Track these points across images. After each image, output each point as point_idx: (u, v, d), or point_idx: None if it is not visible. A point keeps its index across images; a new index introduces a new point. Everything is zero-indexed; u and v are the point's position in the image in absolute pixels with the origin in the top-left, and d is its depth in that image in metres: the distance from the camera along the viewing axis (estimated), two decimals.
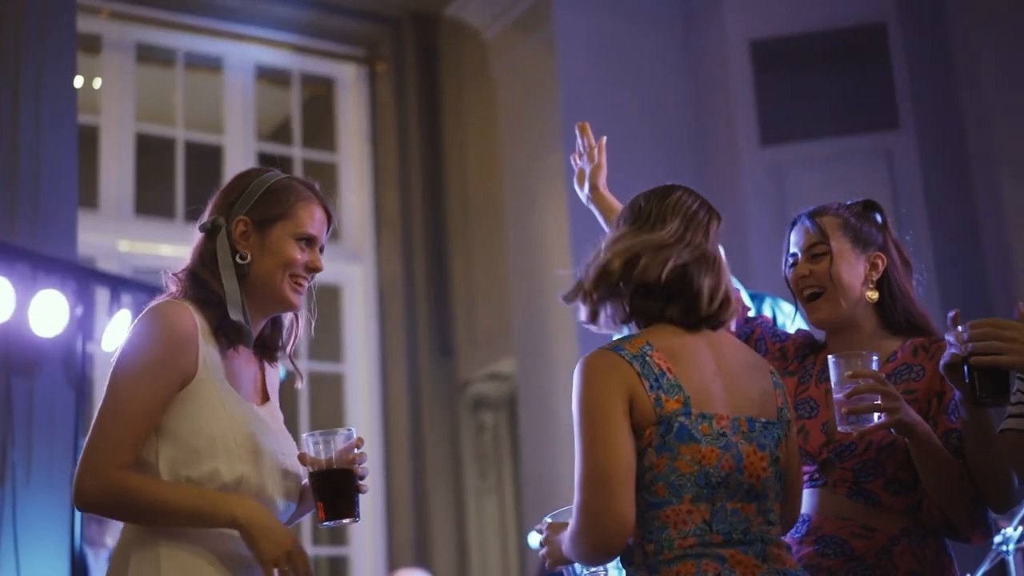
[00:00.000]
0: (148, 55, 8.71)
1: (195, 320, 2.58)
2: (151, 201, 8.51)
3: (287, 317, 2.83)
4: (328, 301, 8.98)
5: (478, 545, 8.37)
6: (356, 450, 2.63)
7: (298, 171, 8.99)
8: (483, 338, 8.58)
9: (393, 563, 8.43)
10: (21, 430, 5.58)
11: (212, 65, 8.93)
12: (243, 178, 2.78)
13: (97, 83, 8.40)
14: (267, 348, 2.81)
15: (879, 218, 3.06)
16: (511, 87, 8.16)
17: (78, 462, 2.52)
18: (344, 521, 2.62)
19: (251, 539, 2.48)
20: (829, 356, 2.72)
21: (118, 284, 6.17)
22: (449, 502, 8.48)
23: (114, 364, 2.57)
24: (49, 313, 5.63)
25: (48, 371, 5.74)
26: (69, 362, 5.81)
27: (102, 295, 6.34)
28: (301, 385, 2.91)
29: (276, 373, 2.86)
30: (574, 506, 2.45)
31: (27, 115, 6.04)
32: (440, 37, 9.19)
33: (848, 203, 3.07)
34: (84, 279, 5.90)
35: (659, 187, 2.76)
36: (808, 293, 2.97)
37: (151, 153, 8.58)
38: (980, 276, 6.95)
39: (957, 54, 7.30)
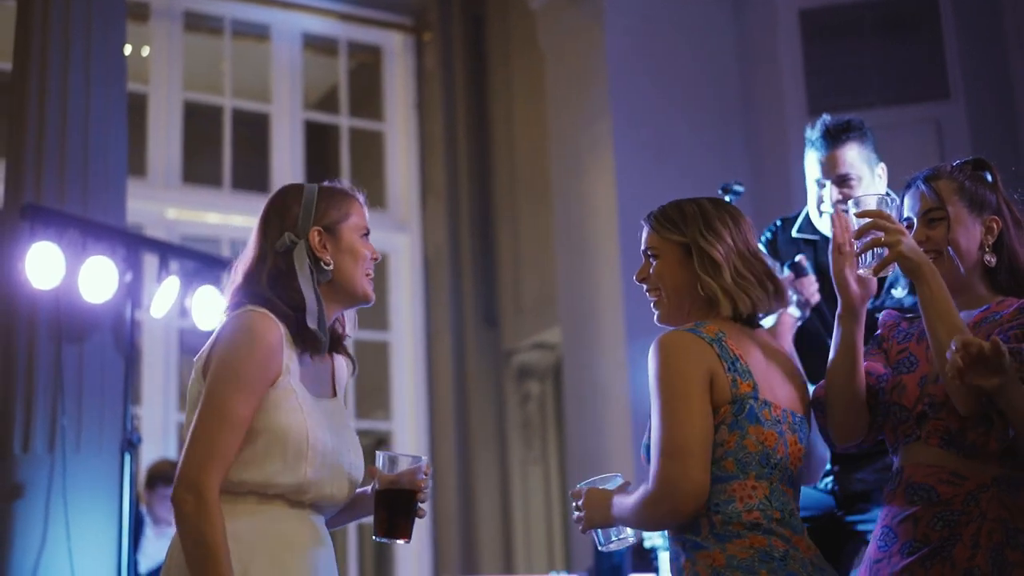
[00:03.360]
0: (196, 23, 8.74)
1: (280, 329, 2.69)
2: (198, 169, 8.56)
3: (351, 310, 2.95)
4: (374, 269, 9.01)
5: (522, 514, 8.39)
6: (423, 477, 2.75)
7: (345, 140, 9.02)
8: (529, 308, 8.58)
9: (438, 532, 8.48)
10: (71, 396, 5.64)
11: (259, 33, 8.95)
12: (291, 195, 2.88)
13: (145, 51, 8.45)
14: (334, 341, 2.91)
15: (989, 177, 3.04)
16: (559, 56, 8.13)
17: (178, 469, 2.61)
18: (398, 541, 2.74)
19: None
20: (849, 200, 2.79)
21: (166, 251, 6.21)
22: (494, 471, 8.50)
23: (212, 373, 2.65)
24: (99, 280, 5.68)
25: (97, 338, 5.79)
26: (118, 329, 5.85)
27: (150, 262, 6.38)
28: (355, 373, 2.99)
29: (345, 367, 2.95)
30: (652, 474, 2.60)
31: (76, 83, 6.08)
32: (487, 6, 9.17)
33: (958, 163, 3.04)
34: (133, 246, 5.93)
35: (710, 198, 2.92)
36: (929, 258, 2.92)
37: (198, 121, 8.63)
38: None
39: (1007, 23, 7.21)
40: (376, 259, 2.90)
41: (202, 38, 8.87)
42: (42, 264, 5.57)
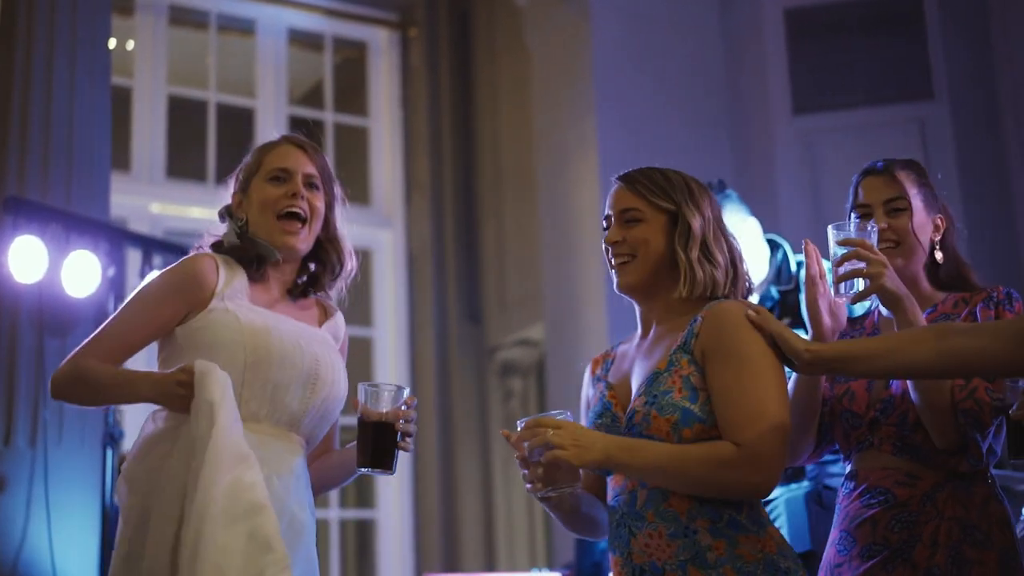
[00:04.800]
0: (181, 17, 8.72)
1: (215, 263, 2.80)
2: (183, 163, 8.54)
3: (334, 260, 2.97)
4: (358, 265, 9.00)
5: (504, 511, 8.40)
6: (406, 407, 2.71)
7: (329, 135, 9.01)
8: (512, 304, 8.58)
9: (420, 529, 8.47)
10: None
11: (245, 28, 8.93)
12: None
13: (130, 45, 8.42)
14: (315, 285, 2.98)
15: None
16: (544, 53, 8.13)
17: None
18: (378, 471, 2.71)
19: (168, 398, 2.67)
20: (829, 226, 2.77)
21: (150, 245, 6.19)
22: (476, 467, 8.51)
23: None
24: (81, 273, 5.67)
25: (80, 331, 5.77)
26: (101, 322, 5.82)
27: (134, 256, 6.37)
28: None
29: (339, 321, 3.00)
30: (746, 438, 2.45)
31: (61, 77, 6.07)
32: (473, 2, 9.17)
33: (902, 160, 3.05)
34: (116, 240, 5.92)
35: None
36: (884, 246, 2.90)
37: (183, 116, 8.61)
38: (1013, 247, 6.91)
39: (992, 24, 7.23)
40: (296, 193, 2.86)
41: (187, 32, 8.85)
42: (25, 257, 5.55)
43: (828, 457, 3.26)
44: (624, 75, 7.54)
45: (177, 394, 2.64)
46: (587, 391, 2.82)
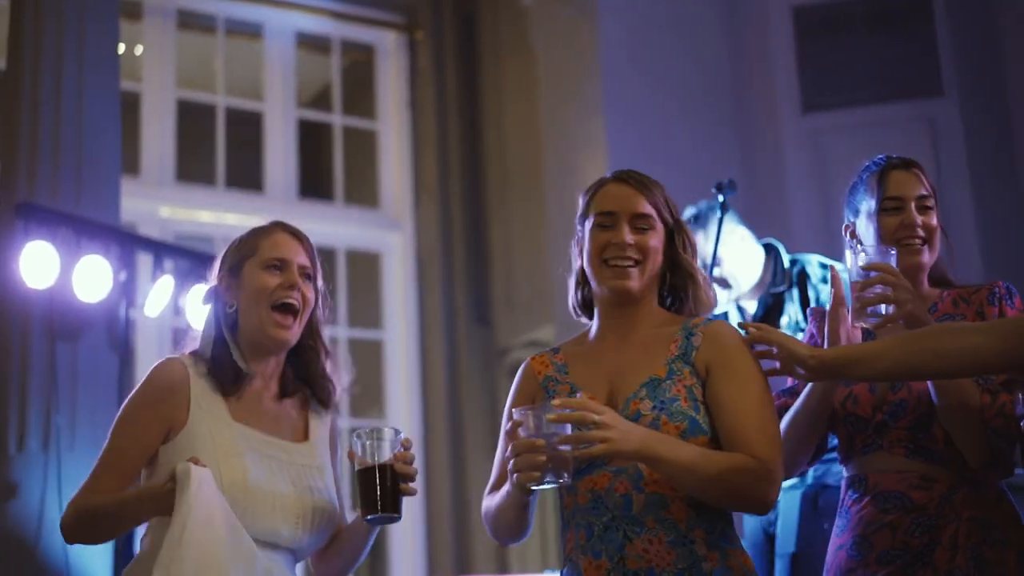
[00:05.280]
0: (189, 21, 8.73)
1: (186, 371, 2.76)
2: (192, 167, 8.55)
3: (322, 364, 2.92)
4: (367, 268, 9.02)
5: None
6: (402, 450, 2.69)
7: (338, 138, 9.01)
8: (521, 306, 8.58)
9: (431, 532, 8.47)
10: (65, 395, 5.65)
11: (252, 31, 8.94)
12: (227, 247, 2.95)
13: (138, 50, 8.43)
14: (314, 393, 2.91)
15: None
16: (551, 54, 8.13)
17: None
18: (385, 518, 2.66)
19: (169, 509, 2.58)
20: (848, 250, 2.77)
21: (161, 250, 6.22)
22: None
23: None
24: (93, 278, 5.69)
25: (92, 336, 5.79)
26: (112, 327, 5.86)
27: (144, 261, 6.38)
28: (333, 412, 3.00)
29: (326, 416, 2.94)
30: (761, 452, 2.51)
31: (70, 82, 6.08)
32: (479, 4, 9.16)
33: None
34: (127, 245, 5.94)
35: None
36: (916, 242, 2.93)
37: (192, 119, 8.61)
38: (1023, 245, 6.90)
39: (1002, 20, 7.22)
40: (291, 287, 2.81)
41: (195, 36, 8.86)
42: (36, 263, 5.57)
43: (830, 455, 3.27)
44: (631, 75, 7.53)
45: (172, 500, 2.59)
46: (528, 393, 2.77)
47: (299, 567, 2.88)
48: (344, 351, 8.56)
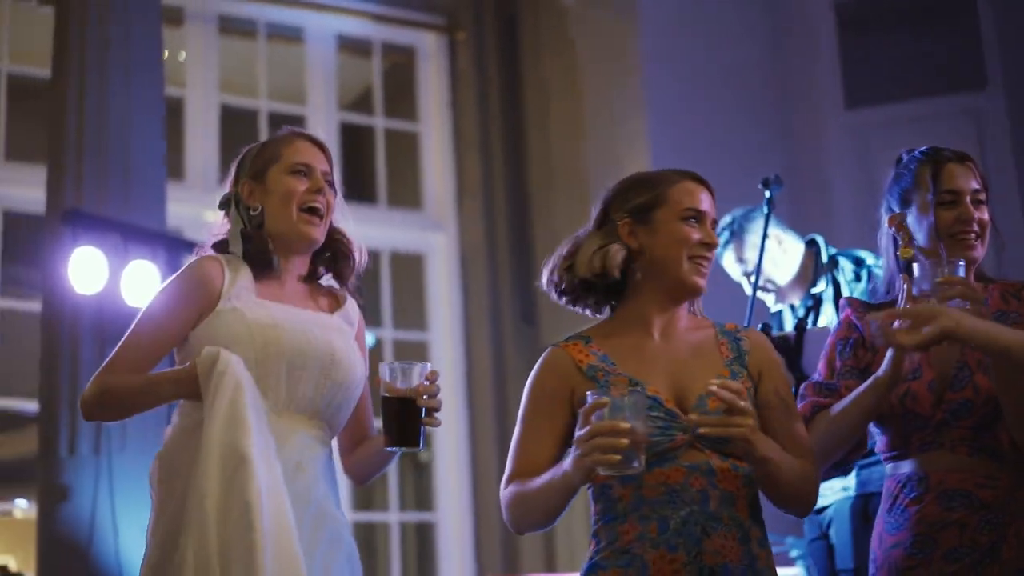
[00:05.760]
0: (230, 26, 8.78)
1: (221, 265, 2.87)
2: None
3: (350, 254, 3.05)
4: (411, 269, 9.04)
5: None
6: (428, 382, 2.73)
7: (380, 141, 9.04)
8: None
9: (480, 530, 8.48)
10: None
11: (293, 36, 8.98)
12: (240, 154, 3.06)
13: (181, 56, 8.49)
14: (339, 278, 3.06)
15: None
16: (592, 53, 8.13)
17: None
18: (406, 448, 2.72)
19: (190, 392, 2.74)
20: (915, 262, 2.75)
21: None
22: None
23: None
24: (141, 283, 5.73)
25: None
26: None
27: None
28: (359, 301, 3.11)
29: (352, 308, 3.05)
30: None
31: (114, 88, 6.14)
32: (520, 4, 9.17)
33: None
34: (174, 249, 5.99)
35: None
36: (971, 236, 2.92)
37: (235, 124, 8.66)
38: None
39: None
40: (318, 191, 2.92)
41: (237, 41, 8.91)
42: (85, 269, 5.63)
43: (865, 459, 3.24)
44: (672, 72, 7.53)
45: (197, 385, 2.71)
46: (568, 382, 2.72)
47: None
48: (389, 353, 8.60)
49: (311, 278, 3.02)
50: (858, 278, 4.55)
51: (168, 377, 2.78)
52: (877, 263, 4.51)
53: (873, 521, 3.93)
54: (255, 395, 2.69)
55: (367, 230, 8.65)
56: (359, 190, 9.25)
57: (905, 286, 2.75)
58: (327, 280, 3.09)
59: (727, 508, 2.57)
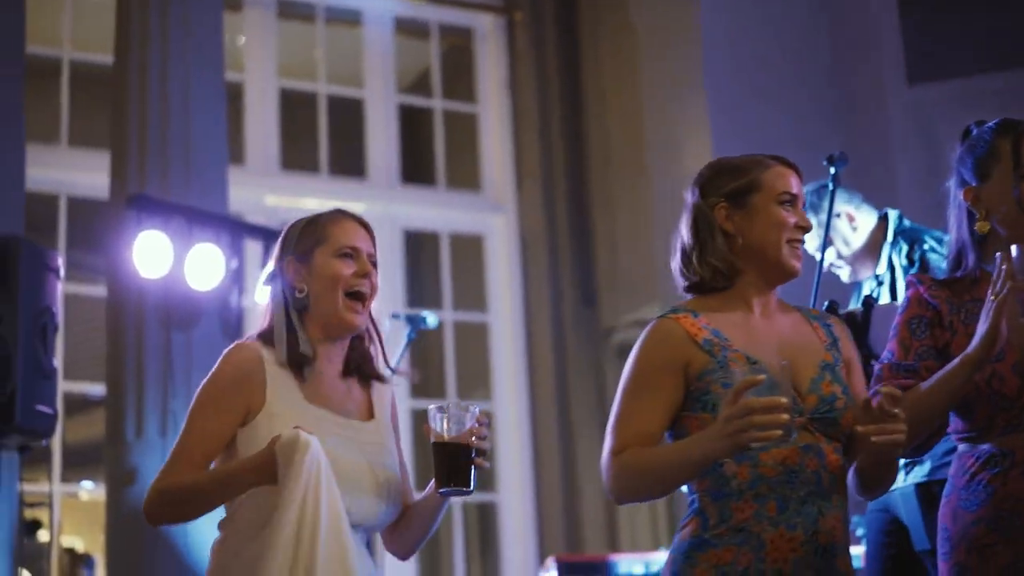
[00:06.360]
0: (289, 11, 8.82)
1: (260, 355, 2.82)
2: (296, 155, 8.64)
3: (363, 338, 2.99)
4: (471, 251, 9.05)
5: None
6: (478, 425, 2.73)
7: (438, 123, 9.05)
8: (626, 285, 8.56)
9: (541, 512, 8.50)
10: (180, 382, 5.75)
11: (351, 19, 9.00)
12: (285, 229, 3.00)
13: (240, 41, 8.54)
14: (364, 371, 2.99)
15: None
16: (651, 32, 8.09)
17: None
18: (457, 491, 2.73)
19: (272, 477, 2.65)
20: (1013, 246, 2.70)
21: (269, 237, 6.29)
22: (595, 449, 8.44)
23: None
24: (205, 267, 5.78)
25: (205, 324, 5.89)
26: (225, 315, 5.95)
27: (252, 248, 6.46)
28: (409, 378, 3.07)
29: (386, 392, 3.02)
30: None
31: (176, 74, 6.19)
32: None
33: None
34: (237, 232, 6.03)
35: None
36: None
37: (294, 108, 8.70)
38: None
39: None
40: (365, 276, 2.89)
41: (295, 25, 8.95)
42: (150, 252, 5.68)
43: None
44: (732, 51, 7.48)
45: (275, 469, 2.66)
46: (683, 353, 2.69)
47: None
48: (450, 335, 8.63)
49: (347, 370, 2.97)
50: (911, 261, 4.51)
51: (248, 465, 2.70)
52: (932, 244, 4.46)
53: (939, 503, 3.90)
54: (331, 479, 2.67)
55: (426, 212, 8.74)
56: (418, 173, 9.27)
57: (1004, 266, 2.71)
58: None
59: (835, 489, 2.62)
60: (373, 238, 2.98)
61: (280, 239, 2.98)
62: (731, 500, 2.60)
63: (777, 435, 2.39)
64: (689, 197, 2.84)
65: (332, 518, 2.63)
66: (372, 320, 3.00)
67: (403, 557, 3.04)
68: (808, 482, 2.58)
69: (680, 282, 2.86)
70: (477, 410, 2.74)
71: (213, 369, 2.85)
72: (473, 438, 2.71)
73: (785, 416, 2.38)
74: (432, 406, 2.74)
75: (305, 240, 2.93)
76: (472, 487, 2.74)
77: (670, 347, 2.69)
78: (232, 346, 2.87)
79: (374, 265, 2.95)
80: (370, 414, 2.96)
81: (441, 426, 2.70)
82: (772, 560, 2.56)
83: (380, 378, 3.02)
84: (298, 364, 2.84)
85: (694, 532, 2.64)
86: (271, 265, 2.97)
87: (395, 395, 3.08)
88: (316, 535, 2.59)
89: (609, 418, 2.72)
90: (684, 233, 2.82)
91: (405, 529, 2.97)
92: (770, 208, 2.74)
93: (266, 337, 2.89)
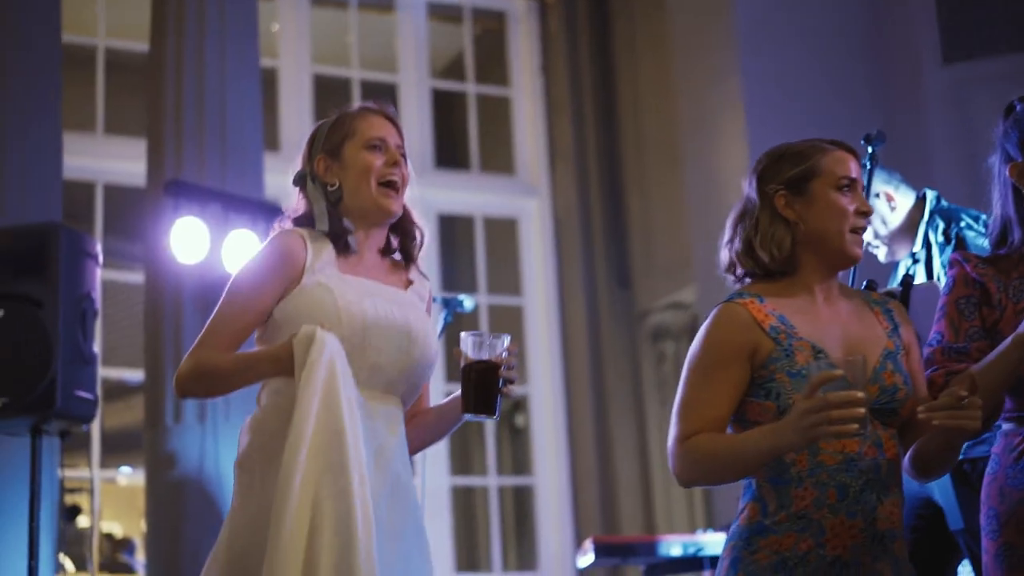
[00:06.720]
0: None
1: (304, 240, 2.88)
2: None
3: (414, 231, 3.07)
4: (505, 234, 9.07)
5: (662, 474, 8.41)
6: (507, 354, 2.79)
7: (472, 107, 9.06)
8: (661, 268, 8.56)
9: (577, 493, 8.52)
10: None
11: (384, 5, 9.01)
12: (312, 130, 3.06)
13: (274, 27, 8.57)
14: (406, 249, 3.07)
15: None
16: (685, 14, 8.05)
17: None
18: (482, 416, 2.81)
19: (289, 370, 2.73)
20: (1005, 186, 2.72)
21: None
22: (631, 432, 8.52)
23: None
24: (242, 252, 5.80)
25: None
26: None
27: None
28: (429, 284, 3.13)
29: (424, 284, 3.09)
30: None
31: (212, 61, 6.21)
32: None
33: None
34: (273, 218, 6.01)
35: None
36: None
37: (328, 94, 8.73)
38: None
39: None
40: (395, 165, 2.96)
41: (329, 12, 8.97)
42: (187, 238, 5.71)
43: None
44: (767, 31, 7.45)
45: (291, 363, 2.73)
46: (749, 340, 2.69)
47: None
48: (485, 318, 8.65)
49: (387, 251, 3.05)
50: (947, 239, 4.49)
51: (267, 355, 2.80)
52: (968, 222, 4.45)
53: (972, 482, 3.88)
54: (348, 374, 2.73)
55: (460, 196, 8.75)
56: (452, 156, 9.29)
57: None
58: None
59: (892, 476, 2.64)
60: (400, 130, 3.05)
61: (307, 140, 3.03)
62: (791, 487, 2.61)
63: (853, 429, 2.40)
64: (747, 186, 2.82)
65: (350, 420, 2.67)
66: (410, 215, 3.06)
67: (410, 453, 3.05)
68: (867, 470, 2.59)
69: (726, 265, 2.84)
70: (507, 340, 2.81)
71: (257, 252, 2.94)
72: (503, 367, 2.78)
73: (861, 411, 2.39)
74: (465, 333, 2.80)
75: (333, 136, 2.99)
76: (497, 414, 2.81)
77: (737, 332, 2.68)
78: (277, 232, 2.95)
79: (404, 156, 3.01)
80: (406, 286, 3.04)
81: (474, 351, 2.77)
82: (832, 547, 2.58)
83: (411, 253, 3.08)
84: (340, 237, 2.91)
85: (753, 518, 2.65)
86: (300, 166, 3.03)
87: (431, 289, 3.14)
88: (335, 442, 2.64)
89: (675, 402, 2.72)
90: (743, 222, 2.81)
91: (416, 428, 3.03)
92: (829, 194, 2.72)
93: (304, 220, 2.97)
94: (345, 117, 3.02)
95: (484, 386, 2.78)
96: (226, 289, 2.90)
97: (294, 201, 3.04)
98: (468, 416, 2.83)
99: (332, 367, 2.69)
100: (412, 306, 2.96)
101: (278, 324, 2.85)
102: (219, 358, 2.81)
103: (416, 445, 3.04)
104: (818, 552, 2.58)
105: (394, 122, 3.04)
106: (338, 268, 2.90)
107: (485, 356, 2.77)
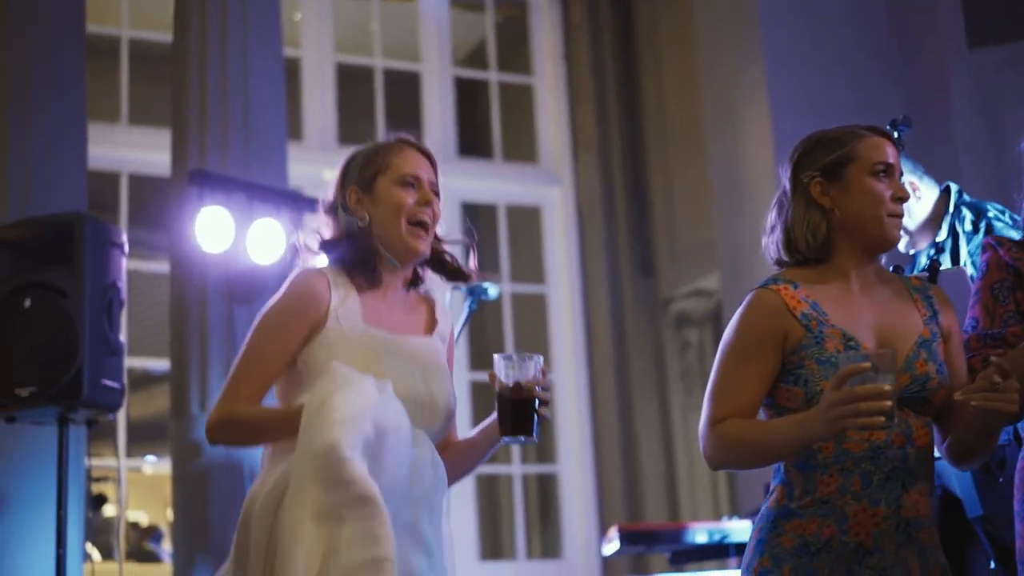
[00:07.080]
0: None
1: (327, 280, 2.87)
2: (353, 130, 8.67)
3: (445, 257, 3.06)
4: (528, 223, 9.06)
5: (685, 462, 8.40)
6: (540, 375, 2.78)
7: (494, 95, 9.05)
8: (684, 255, 8.55)
9: (602, 482, 8.52)
10: None
11: None
12: (347, 159, 3.05)
13: (297, 16, 8.57)
14: (444, 265, 3.06)
15: None
16: (707, 0, 8.03)
17: None
18: (520, 439, 2.79)
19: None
20: None
21: None
22: (655, 419, 8.52)
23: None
24: (266, 241, 5.82)
25: (267, 298, 5.89)
26: None
27: (312, 223, 6.48)
28: (474, 280, 3.16)
29: (445, 320, 3.07)
30: None
31: (235, 51, 6.22)
32: None
33: None
34: (297, 207, 6.06)
35: None
36: None
37: (351, 83, 8.73)
38: None
39: None
40: (428, 202, 2.94)
41: (351, 0, 8.97)
42: (212, 227, 5.72)
43: None
44: (791, 17, 7.42)
45: None
46: (781, 327, 2.71)
47: None
48: (508, 306, 8.65)
49: (414, 282, 3.04)
50: (976, 229, 4.49)
51: (292, 415, 2.76)
52: (996, 213, 4.44)
53: (991, 469, 3.88)
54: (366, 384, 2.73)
55: (483, 184, 8.75)
56: (474, 145, 9.28)
57: None
58: (429, 280, 3.11)
59: (921, 465, 2.64)
60: (435, 165, 3.03)
61: (341, 169, 3.02)
62: (816, 473, 2.63)
63: (879, 422, 2.41)
64: (783, 173, 2.83)
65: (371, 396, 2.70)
66: (442, 248, 3.05)
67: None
68: (894, 459, 2.61)
69: (774, 256, 2.85)
70: (541, 360, 2.79)
71: (280, 293, 2.91)
72: (538, 388, 2.77)
73: (889, 403, 2.40)
74: (498, 355, 2.79)
75: (367, 169, 2.97)
76: (534, 436, 2.80)
77: (769, 318, 2.70)
78: (300, 271, 2.93)
79: (436, 194, 2.99)
80: (430, 330, 3.02)
81: (507, 375, 2.76)
82: (854, 533, 2.59)
83: (461, 274, 3.09)
84: (364, 283, 2.90)
85: (780, 502, 2.68)
86: (331, 195, 3.01)
87: (454, 325, 3.13)
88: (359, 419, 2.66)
89: (707, 386, 2.75)
90: (780, 209, 2.82)
91: (452, 460, 3.01)
92: (865, 181, 2.73)
93: (331, 246, 2.97)
94: (380, 149, 3.01)
95: (521, 410, 2.77)
96: (251, 333, 2.89)
97: (324, 228, 3.02)
98: (507, 439, 2.81)
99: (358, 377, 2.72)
100: (434, 361, 2.95)
101: (298, 370, 2.85)
102: (249, 412, 2.82)
103: (451, 478, 3.02)
104: (840, 538, 2.60)
105: (430, 157, 3.03)
106: (362, 317, 2.88)
107: (519, 378, 2.76)
